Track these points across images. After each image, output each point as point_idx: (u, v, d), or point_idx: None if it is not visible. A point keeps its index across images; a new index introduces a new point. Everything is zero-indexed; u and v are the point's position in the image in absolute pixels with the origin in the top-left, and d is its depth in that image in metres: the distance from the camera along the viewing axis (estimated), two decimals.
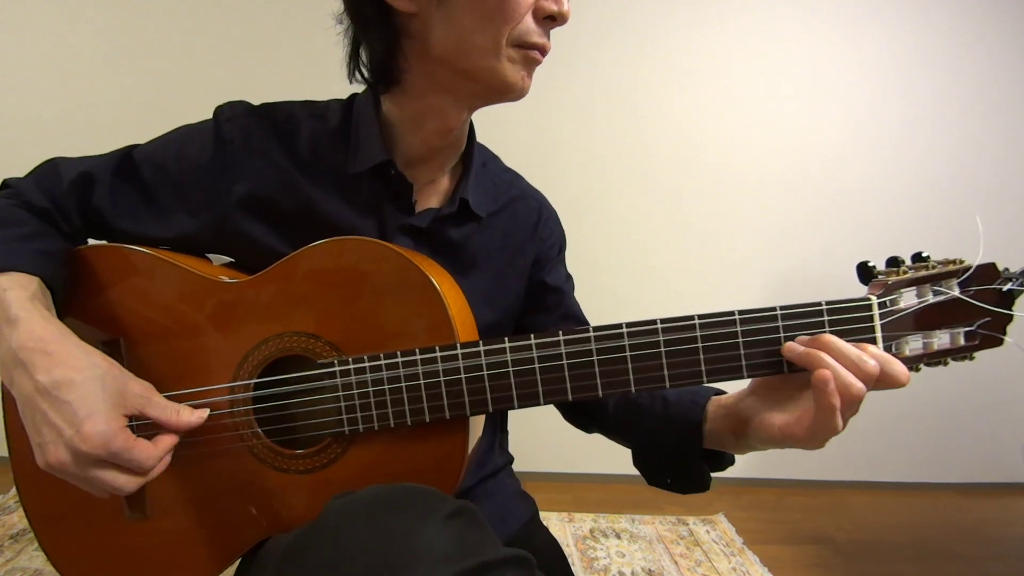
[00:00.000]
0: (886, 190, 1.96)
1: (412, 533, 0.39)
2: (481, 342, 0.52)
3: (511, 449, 0.82)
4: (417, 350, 0.52)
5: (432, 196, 0.68)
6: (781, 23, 1.90)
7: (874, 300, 0.48)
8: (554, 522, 1.71)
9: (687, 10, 1.88)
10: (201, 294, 0.59)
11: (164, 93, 1.81)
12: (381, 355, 0.53)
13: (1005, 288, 0.48)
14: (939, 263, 0.49)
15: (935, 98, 1.94)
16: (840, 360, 0.45)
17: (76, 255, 0.60)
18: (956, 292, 0.48)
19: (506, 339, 0.52)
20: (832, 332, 0.48)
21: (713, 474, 0.64)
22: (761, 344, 0.49)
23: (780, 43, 1.90)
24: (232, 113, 0.63)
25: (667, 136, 1.93)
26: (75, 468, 0.47)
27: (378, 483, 0.46)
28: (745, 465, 2.01)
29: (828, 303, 0.48)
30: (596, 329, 0.51)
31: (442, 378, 0.52)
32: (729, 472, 0.64)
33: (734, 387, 0.57)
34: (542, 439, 1.67)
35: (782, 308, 0.49)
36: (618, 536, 1.65)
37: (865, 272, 0.50)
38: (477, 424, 0.58)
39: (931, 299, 0.49)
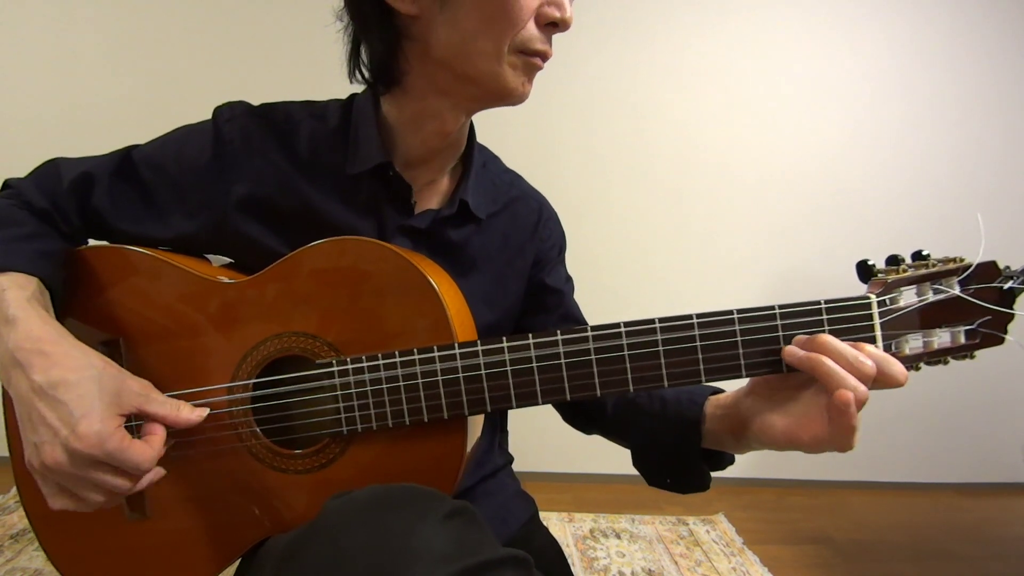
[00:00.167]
0: (886, 190, 1.96)
1: (410, 533, 0.39)
2: (479, 342, 0.52)
3: (511, 449, 0.82)
4: (415, 350, 0.52)
5: (432, 197, 0.68)
6: (781, 23, 1.90)
7: (873, 299, 0.48)
8: (554, 522, 1.71)
9: (687, 10, 1.88)
10: (200, 294, 0.59)
11: (164, 93, 1.82)
12: (379, 355, 0.53)
13: (1006, 286, 0.48)
14: (939, 261, 0.49)
15: (935, 98, 1.94)
16: (839, 362, 0.45)
17: (76, 255, 0.60)
18: (956, 291, 0.48)
19: (504, 339, 0.51)
20: (831, 331, 0.48)
21: (713, 474, 0.63)
22: (760, 343, 0.49)
23: (780, 43, 1.90)
24: (231, 114, 0.63)
25: (667, 136, 1.93)
26: (71, 468, 0.47)
27: (377, 483, 0.46)
28: (745, 465, 2.01)
29: (827, 302, 0.48)
30: (594, 329, 0.50)
31: (440, 378, 0.52)
32: (729, 472, 0.64)
33: (733, 386, 0.57)
34: (542, 439, 1.67)
35: (780, 307, 0.48)
36: (618, 536, 1.65)
37: (865, 271, 0.50)
38: (476, 424, 0.58)
39: (931, 298, 0.48)
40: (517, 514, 0.75)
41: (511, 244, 0.72)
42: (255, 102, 0.65)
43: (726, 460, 0.63)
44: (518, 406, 0.52)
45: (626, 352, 0.50)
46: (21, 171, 0.63)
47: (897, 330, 0.48)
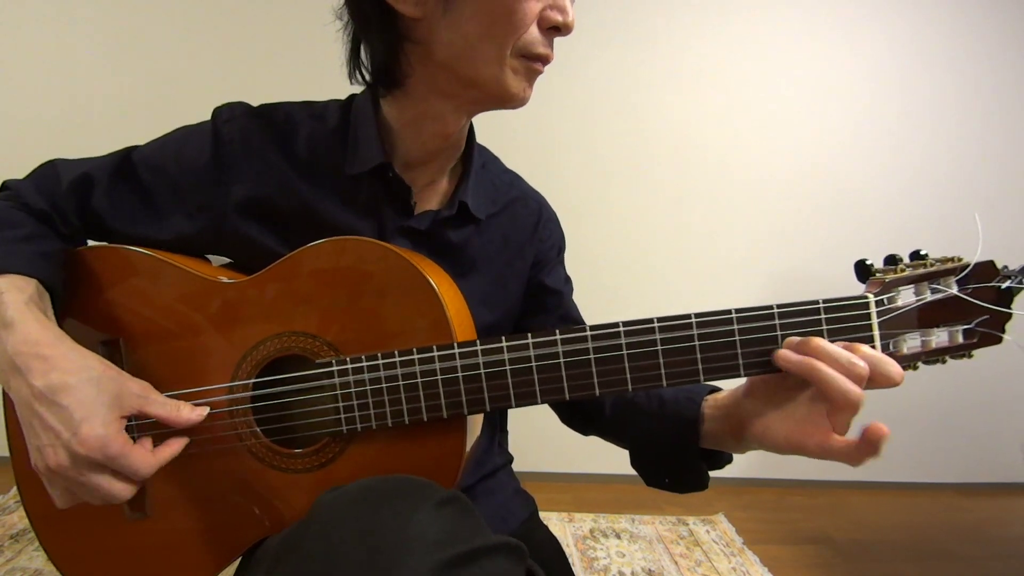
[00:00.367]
0: (886, 190, 1.96)
1: (403, 521, 0.39)
2: (478, 341, 0.52)
3: (511, 449, 0.82)
4: (415, 350, 0.52)
5: (431, 198, 0.68)
6: (781, 23, 1.90)
7: (871, 298, 0.48)
8: (554, 522, 1.71)
9: (687, 11, 1.88)
10: (200, 294, 0.59)
11: (164, 93, 1.82)
12: (379, 355, 0.53)
13: (1004, 286, 0.48)
14: (937, 261, 0.49)
15: (935, 98, 1.94)
16: (834, 366, 0.45)
17: (75, 256, 0.60)
18: (954, 290, 0.48)
19: (503, 338, 0.52)
20: (829, 330, 0.48)
21: (713, 474, 0.64)
22: (758, 343, 0.49)
23: (780, 44, 1.90)
24: (230, 115, 0.63)
25: (667, 136, 1.93)
26: (73, 472, 0.47)
27: None
28: (745, 465, 2.01)
29: (825, 301, 0.48)
30: (593, 328, 0.50)
31: (439, 377, 0.52)
32: (729, 472, 0.64)
33: (732, 385, 0.57)
34: (542, 439, 1.66)
35: (779, 307, 0.48)
36: (618, 536, 1.65)
37: (863, 270, 0.50)
38: (475, 423, 0.58)
39: (929, 297, 0.48)
40: (516, 512, 0.76)
41: (511, 245, 0.72)
42: (255, 102, 0.65)
43: (724, 459, 0.63)
44: (517, 405, 0.52)
45: (625, 352, 0.50)
46: (20, 171, 0.63)
47: (895, 329, 0.48)
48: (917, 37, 1.91)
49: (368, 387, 0.53)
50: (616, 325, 0.50)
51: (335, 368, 0.54)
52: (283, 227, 0.62)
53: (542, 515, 0.81)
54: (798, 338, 0.48)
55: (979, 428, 2.05)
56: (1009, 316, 0.48)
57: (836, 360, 0.45)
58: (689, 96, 1.92)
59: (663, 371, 0.50)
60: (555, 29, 0.56)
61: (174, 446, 0.53)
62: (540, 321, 0.76)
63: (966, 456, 2.06)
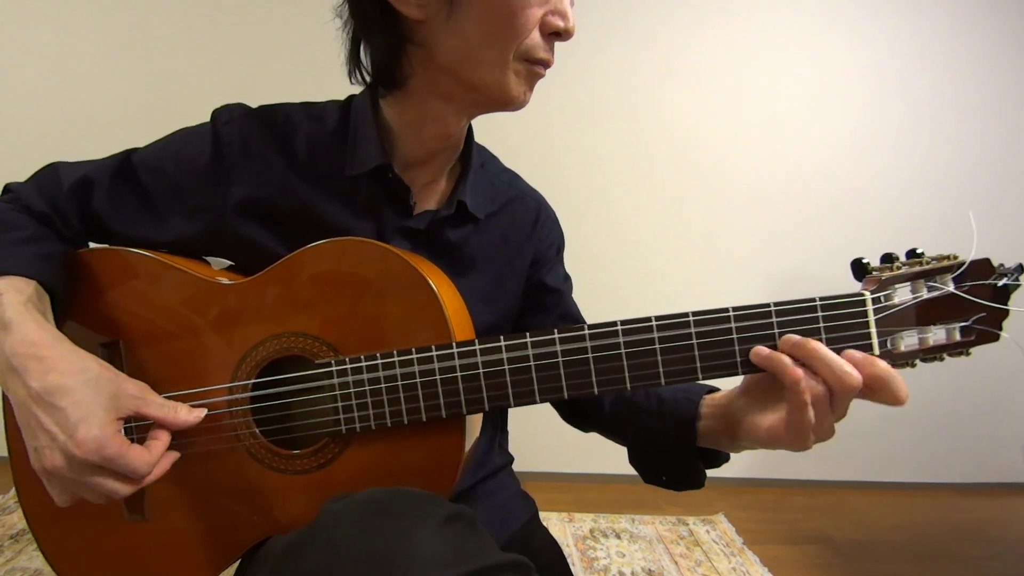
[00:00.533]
0: (886, 190, 1.96)
1: (408, 538, 0.39)
2: (477, 341, 0.52)
3: (511, 449, 0.82)
4: (413, 349, 0.52)
5: (430, 198, 0.68)
6: (781, 23, 1.90)
7: (868, 296, 0.48)
8: (554, 522, 1.71)
9: (687, 11, 1.89)
10: (200, 296, 0.59)
11: (164, 93, 1.82)
12: (378, 355, 0.53)
13: (1000, 283, 0.48)
14: (933, 259, 0.49)
15: (935, 98, 1.94)
16: (823, 369, 0.46)
17: (76, 258, 0.60)
18: (950, 288, 0.48)
19: (502, 338, 0.52)
20: (826, 327, 0.48)
21: (713, 474, 0.64)
22: (755, 341, 0.49)
23: (780, 44, 1.91)
24: (230, 116, 0.63)
25: (667, 136, 1.93)
26: (71, 473, 0.47)
27: (376, 483, 0.46)
28: (745, 465, 2.01)
29: (822, 299, 0.48)
30: (591, 327, 0.51)
31: (438, 377, 0.52)
32: (729, 472, 0.64)
33: (730, 383, 0.57)
34: (542, 439, 1.67)
35: (776, 305, 0.48)
36: (618, 536, 1.65)
37: (859, 268, 0.50)
38: (475, 423, 0.58)
39: (925, 295, 0.49)
40: (517, 514, 0.76)
41: (510, 244, 0.72)
42: (255, 103, 0.66)
43: (721, 458, 0.63)
44: (516, 405, 0.52)
45: (623, 350, 0.50)
46: (21, 174, 0.64)
47: (892, 327, 0.48)
48: (917, 37, 1.92)
49: (367, 387, 0.53)
50: (614, 324, 0.50)
51: (334, 368, 0.54)
52: (283, 228, 0.62)
53: (542, 515, 0.81)
54: (796, 337, 0.48)
55: (979, 428, 2.05)
56: (1006, 313, 0.48)
57: (827, 364, 0.46)
58: (689, 96, 1.92)
59: (661, 369, 0.50)
60: (556, 34, 0.56)
61: (164, 439, 0.52)
62: (540, 320, 0.76)
63: (966, 456, 2.06)
